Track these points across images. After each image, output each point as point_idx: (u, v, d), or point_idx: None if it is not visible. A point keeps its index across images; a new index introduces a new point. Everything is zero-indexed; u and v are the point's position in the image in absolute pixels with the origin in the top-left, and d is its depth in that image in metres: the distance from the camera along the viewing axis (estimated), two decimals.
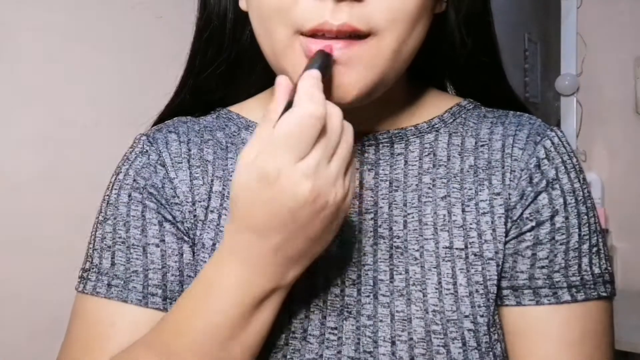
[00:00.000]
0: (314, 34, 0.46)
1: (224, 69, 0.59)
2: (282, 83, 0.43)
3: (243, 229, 0.43)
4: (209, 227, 0.54)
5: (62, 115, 1.03)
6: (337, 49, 0.46)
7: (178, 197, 0.54)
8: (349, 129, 0.43)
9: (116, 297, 0.52)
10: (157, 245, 0.53)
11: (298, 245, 0.43)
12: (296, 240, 0.42)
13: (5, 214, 0.96)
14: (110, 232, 0.54)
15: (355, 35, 0.46)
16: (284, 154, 0.40)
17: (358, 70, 0.47)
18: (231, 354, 0.45)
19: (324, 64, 0.44)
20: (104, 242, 0.54)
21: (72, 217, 1.02)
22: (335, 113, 0.42)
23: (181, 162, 0.56)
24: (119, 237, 0.54)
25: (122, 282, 0.52)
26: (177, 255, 0.53)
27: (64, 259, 1.00)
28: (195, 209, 0.54)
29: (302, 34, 0.47)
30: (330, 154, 0.41)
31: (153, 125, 0.62)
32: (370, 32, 0.46)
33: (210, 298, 0.44)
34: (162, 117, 0.63)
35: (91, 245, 0.55)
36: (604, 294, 0.51)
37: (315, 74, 0.42)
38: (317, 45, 0.46)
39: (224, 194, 0.55)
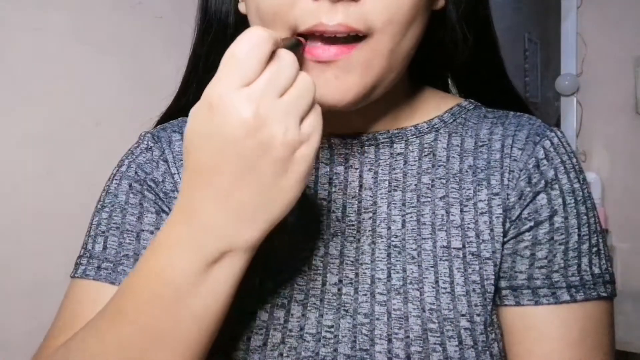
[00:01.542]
0: (311, 36, 0.47)
1: None
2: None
3: (191, 180, 0.40)
4: None
5: (62, 115, 1.03)
6: (333, 54, 0.46)
7: (178, 191, 0.55)
8: (305, 77, 0.40)
9: (104, 279, 0.52)
10: (152, 232, 0.54)
11: (247, 193, 0.39)
12: (244, 186, 0.38)
13: (5, 213, 0.96)
14: (106, 219, 0.55)
15: (351, 37, 0.46)
16: (227, 77, 0.37)
17: (355, 74, 0.47)
18: (176, 322, 0.41)
19: (296, 47, 0.44)
20: (99, 228, 0.55)
21: (72, 217, 1.02)
22: (287, 53, 0.40)
23: (183, 160, 0.56)
24: (114, 223, 0.54)
25: (112, 265, 0.52)
26: None
27: (63, 259, 1.00)
28: None
29: (300, 36, 0.47)
30: (280, 87, 0.38)
31: (156, 125, 0.63)
32: (367, 32, 0.46)
33: (156, 258, 0.41)
34: (164, 119, 0.63)
35: (87, 233, 0.56)
36: (604, 294, 0.51)
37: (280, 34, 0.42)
38: (315, 50, 0.46)
39: None
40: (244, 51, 0.37)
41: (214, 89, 0.38)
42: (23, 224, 0.98)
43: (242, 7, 0.55)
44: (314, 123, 0.40)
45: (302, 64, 0.45)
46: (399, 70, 0.50)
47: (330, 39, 0.46)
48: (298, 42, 0.45)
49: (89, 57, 1.07)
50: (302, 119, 0.39)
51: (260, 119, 0.37)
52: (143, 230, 0.54)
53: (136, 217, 0.54)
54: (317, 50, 0.47)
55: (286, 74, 0.39)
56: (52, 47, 1.02)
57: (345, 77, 0.47)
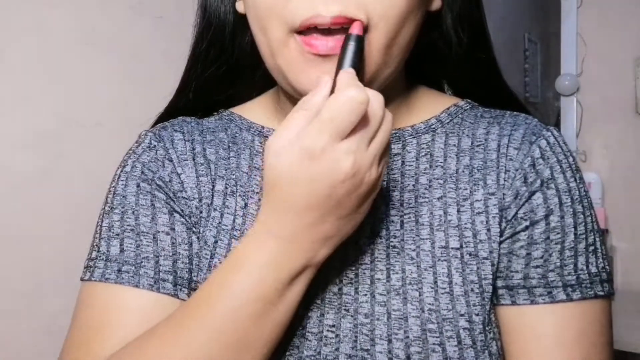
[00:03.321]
0: (308, 29, 0.47)
1: (225, 71, 0.60)
2: (324, 79, 0.45)
3: (280, 210, 0.44)
4: (211, 224, 0.54)
5: (62, 115, 1.03)
6: (328, 47, 0.47)
7: (185, 191, 0.55)
8: (388, 117, 0.44)
9: (127, 282, 0.51)
10: (168, 233, 0.53)
11: (332, 223, 0.44)
12: (330, 218, 0.44)
13: (5, 213, 0.96)
14: (118, 221, 0.54)
15: (346, 29, 0.46)
16: (328, 134, 0.41)
17: None
18: (261, 331, 0.45)
19: (357, 54, 0.46)
20: (112, 231, 0.54)
21: (72, 217, 1.02)
22: (377, 100, 0.43)
23: (187, 160, 0.56)
24: (128, 225, 0.53)
25: (133, 268, 0.52)
26: (187, 244, 0.54)
27: (64, 259, 1.01)
28: (201, 205, 0.55)
29: (297, 31, 0.47)
30: (370, 137, 0.43)
31: (154, 125, 0.62)
32: (367, 21, 0.46)
33: (242, 274, 0.45)
34: (163, 117, 0.63)
35: (97, 235, 0.55)
36: (601, 293, 0.51)
37: (350, 71, 0.44)
38: (314, 40, 0.47)
39: (226, 193, 0.55)
40: (345, 114, 0.41)
41: (315, 141, 0.41)
42: (23, 223, 0.98)
43: (239, 7, 0.56)
44: (386, 159, 0.46)
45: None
46: (394, 66, 0.51)
47: (326, 30, 0.47)
48: (361, 39, 0.46)
49: (89, 57, 1.07)
50: (381, 158, 0.45)
51: (355, 168, 0.42)
52: (159, 232, 0.53)
53: (150, 218, 0.54)
54: (315, 41, 0.47)
55: (373, 127, 0.43)
56: (52, 47, 1.02)
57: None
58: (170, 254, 0.53)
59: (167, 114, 0.63)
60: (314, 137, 0.41)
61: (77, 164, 1.05)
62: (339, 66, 0.45)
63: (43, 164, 1.01)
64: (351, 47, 0.45)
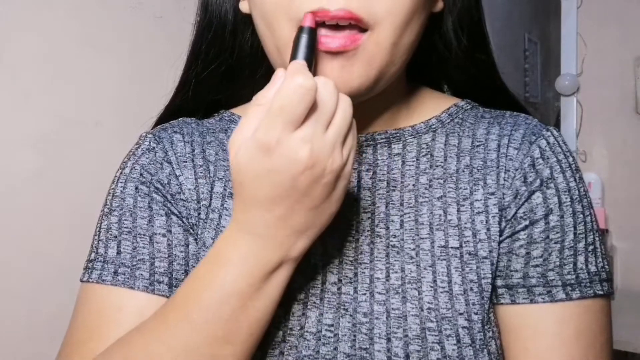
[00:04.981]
0: (316, 26, 0.47)
1: (225, 71, 0.60)
2: (278, 74, 0.44)
3: (249, 206, 0.44)
4: (209, 226, 0.54)
5: (62, 115, 1.03)
6: (338, 43, 0.46)
7: (184, 193, 0.55)
8: (344, 100, 0.44)
9: (122, 284, 0.52)
10: (164, 235, 0.54)
11: (302, 214, 0.44)
12: (300, 210, 0.43)
13: (4, 213, 0.96)
14: (116, 223, 0.54)
15: (355, 27, 0.46)
16: (281, 125, 0.41)
17: (358, 65, 0.47)
18: (240, 325, 0.45)
19: (309, 47, 0.45)
20: (110, 233, 0.54)
21: (72, 217, 1.02)
22: (327, 83, 0.42)
23: (186, 161, 0.57)
24: (125, 227, 0.54)
25: (129, 270, 0.52)
26: (183, 245, 0.54)
27: (64, 259, 1.00)
28: (199, 207, 0.55)
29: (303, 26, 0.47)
30: (325, 122, 0.42)
31: (155, 125, 0.62)
32: (368, 21, 0.46)
33: (220, 270, 0.45)
34: (163, 117, 0.63)
35: (96, 237, 0.56)
36: (601, 292, 0.51)
37: (300, 62, 0.44)
38: (323, 38, 0.47)
39: (224, 195, 0.55)
40: (293, 101, 0.40)
41: (268, 134, 0.41)
42: (23, 223, 0.98)
43: (243, 7, 0.55)
44: (351, 143, 0.45)
45: (316, 53, 0.47)
46: (400, 64, 0.51)
47: (333, 26, 0.47)
48: (314, 31, 0.46)
49: (89, 57, 1.07)
50: (343, 142, 0.44)
51: (314, 156, 0.42)
52: (155, 234, 0.54)
53: (147, 220, 0.54)
54: (326, 39, 0.47)
55: (329, 109, 0.42)
56: (52, 47, 1.02)
57: (350, 68, 0.47)
58: (166, 256, 0.53)
59: (167, 114, 0.63)
60: (268, 130, 0.41)
61: (77, 164, 1.05)
62: (291, 59, 0.45)
63: (43, 164, 1.01)
64: (303, 39, 0.45)
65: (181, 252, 0.54)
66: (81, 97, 1.06)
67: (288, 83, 0.41)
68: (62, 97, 1.03)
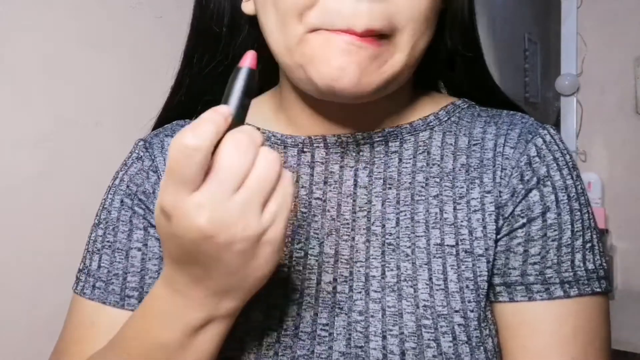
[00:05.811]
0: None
1: (222, 72, 0.60)
2: (204, 115, 0.39)
3: (169, 262, 0.42)
4: None
5: (62, 115, 1.03)
6: (362, 47, 0.46)
7: None
8: (263, 160, 0.39)
9: (97, 299, 0.54)
10: (139, 249, 0.55)
11: (218, 278, 0.41)
12: (216, 274, 0.40)
13: (4, 213, 0.96)
14: (101, 236, 0.56)
15: (378, 35, 0.46)
16: (176, 186, 0.37)
17: (376, 67, 0.47)
18: None
19: (246, 90, 0.41)
20: (95, 246, 0.56)
21: (72, 217, 1.02)
22: (235, 140, 0.38)
23: None
24: (107, 241, 0.56)
25: (104, 284, 0.54)
26: (157, 258, 0.55)
27: (63, 259, 1.00)
28: None
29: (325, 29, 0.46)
30: (231, 185, 0.38)
31: (153, 129, 0.63)
32: (390, 32, 0.47)
33: (146, 321, 0.45)
34: (161, 118, 0.63)
35: (86, 247, 0.58)
36: (598, 290, 0.51)
37: (224, 111, 0.39)
38: (339, 37, 0.46)
39: None
40: (180, 163, 0.37)
41: (165, 197, 0.38)
42: (22, 224, 0.98)
43: (247, 8, 0.55)
44: (277, 207, 0.39)
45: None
46: (414, 67, 0.51)
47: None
48: (253, 72, 0.41)
49: (89, 57, 1.08)
50: (264, 204, 0.39)
51: (214, 225, 0.37)
52: (131, 248, 0.55)
53: (126, 234, 0.55)
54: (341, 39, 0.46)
55: (236, 169, 0.38)
56: (52, 47, 1.02)
57: (367, 67, 0.46)
58: (139, 270, 0.54)
59: (163, 116, 0.63)
60: (165, 193, 0.38)
61: (77, 164, 1.05)
62: (223, 101, 0.40)
63: (43, 164, 1.01)
64: (239, 81, 0.40)
65: (154, 265, 0.55)
66: (81, 97, 1.07)
67: (174, 141, 0.37)
68: (62, 97, 1.04)
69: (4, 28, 0.96)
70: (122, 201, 0.56)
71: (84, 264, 0.57)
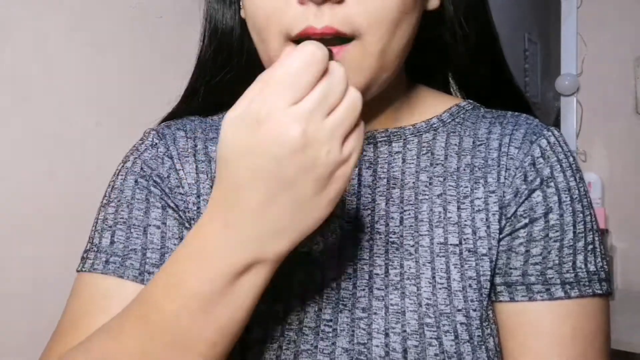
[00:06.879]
0: (301, 39, 0.47)
1: (235, 74, 0.60)
2: (287, 49, 0.41)
3: (224, 187, 0.39)
4: None
5: (62, 115, 1.03)
6: None
7: (183, 187, 0.55)
8: (354, 93, 0.39)
9: (112, 273, 0.51)
10: (158, 227, 0.54)
11: (284, 207, 0.38)
12: (282, 201, 0.38)
13: (5, 213, 0.96)
14: (112, 213, 0.55)
15: (339, 39, 0.46)
16: (278, 95, 0.37)
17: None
18: (201, 334, 0.41)
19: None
20: (105, 223, 0.55)
21: (72, 217, 1.02)
22: (340, 67, 0.39)
23: (188, 157, 0.57)
24: (121, 218, 0.54)
25: (120, 259, 0.52)
26: (177, 238, 0.54)
27: (64, 259, 1.00)
28: (199, 201, 0.55)
29: (292, 40, 0.48)
30: (329, 106, 0.38)
31: (159, 124, 0.63)
32: (353, 34, 0.46)
33: (180, 270, 0.42)
34: (169, 120, 0.63)
35: (93, 228, 0.56)
36: (599, 292, 0.51)
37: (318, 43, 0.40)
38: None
39: None
40: (298, 68, 0.37)
41: (263, 105, 0.37)
42: (23, 224, 0.98)
43: (243, 13, 0.56)
44: (355, 143, 0.40)
45: None
46: (392, 70, 0.51)
47: (319, 40, 0.46)
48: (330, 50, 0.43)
49: (89, 57, 1.08)
50: (345, 138, 0.39)
51: (306, 139, 0.37)
52: (150, 225, 0.54)
53: (143, 211, 0.54)
54: None
55: (336, 93, 0.38)
56: (52, 47, 1.02)
57: None
58: (159, 247, 0.53)
59: (172, 118, 0.63)
60: (262, 100, 0.37)
61: (77, 164, 1.05)
62: None
63: (43, 165, 1.01)
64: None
65: (174, 244, 0.54)
66: (81, 97, 1.07)
67: (298, 48, 0.38)
68: (62, 97, 1.04)
69: (4, 28, 0.96)
70: (136, 181, 0.55)
71: (92, 243, 0.54)
